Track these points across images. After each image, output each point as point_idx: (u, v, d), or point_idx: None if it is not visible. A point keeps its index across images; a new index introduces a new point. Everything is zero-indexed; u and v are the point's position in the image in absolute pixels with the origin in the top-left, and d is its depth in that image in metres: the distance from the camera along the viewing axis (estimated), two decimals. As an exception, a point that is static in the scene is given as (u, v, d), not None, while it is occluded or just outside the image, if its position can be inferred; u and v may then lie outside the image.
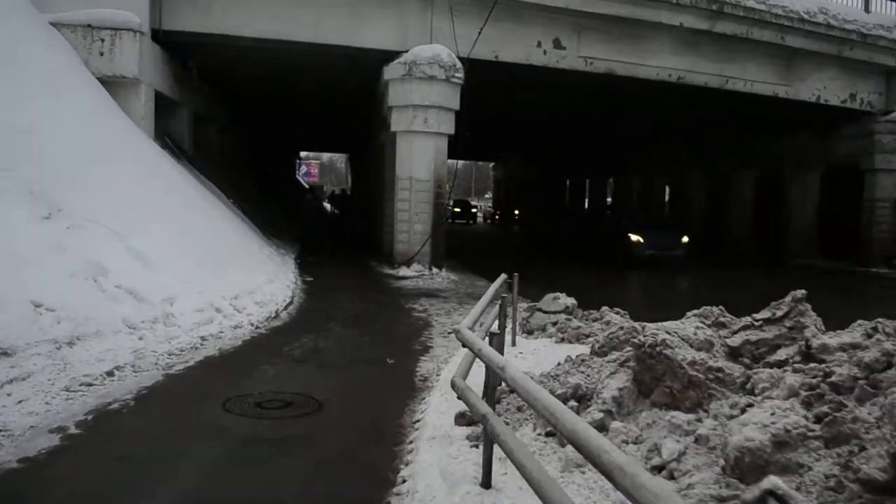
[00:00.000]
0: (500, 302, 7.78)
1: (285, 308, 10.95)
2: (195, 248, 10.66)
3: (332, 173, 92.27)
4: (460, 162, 40.22)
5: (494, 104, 21.80)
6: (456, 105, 15.99)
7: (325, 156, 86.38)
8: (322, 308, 11.28)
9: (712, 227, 28.86)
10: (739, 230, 28.17)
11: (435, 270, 15.89)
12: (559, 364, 5.96)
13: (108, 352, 6.79)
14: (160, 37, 15.08)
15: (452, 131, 16.15)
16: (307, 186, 54.21)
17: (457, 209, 44.64)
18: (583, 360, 5.77)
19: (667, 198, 35.65)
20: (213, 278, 9.95)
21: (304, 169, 69.68)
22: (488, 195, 72.84)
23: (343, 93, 22.42)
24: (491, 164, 59.61)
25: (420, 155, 15.87)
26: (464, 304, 12.05)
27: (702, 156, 29.58)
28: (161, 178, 12.20)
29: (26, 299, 6.64)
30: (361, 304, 11.87)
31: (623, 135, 31.24)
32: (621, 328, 6.07)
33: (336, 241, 24.93)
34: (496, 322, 7.49)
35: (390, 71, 15.81)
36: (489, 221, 53.88)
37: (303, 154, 71.02)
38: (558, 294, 9.82)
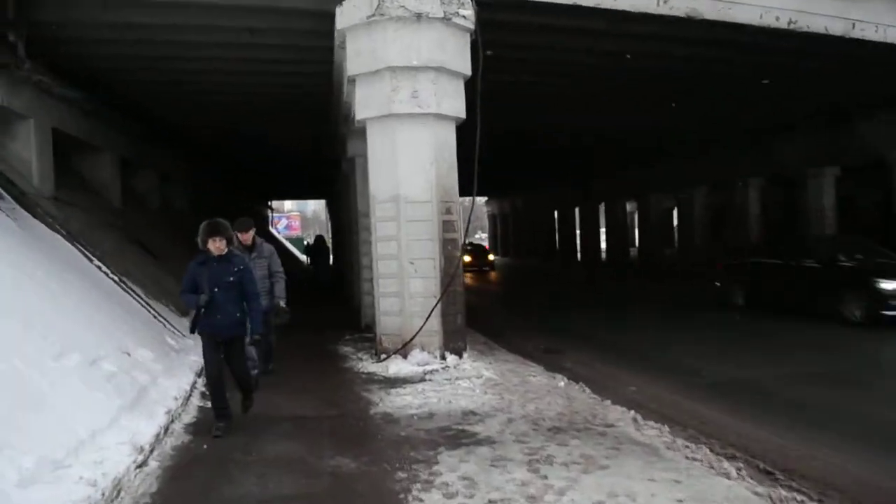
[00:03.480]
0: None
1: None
2: None
3: (318, 227, 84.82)
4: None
5: (510, 113, 14.93)
6: (466, 66, 8.85)
7: (310, 209, 79.70)
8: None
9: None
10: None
11: (452, 360, 8.57)
12: None
13: None
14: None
15: (462, 114, 8.99)
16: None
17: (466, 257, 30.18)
18: None
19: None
20: None
21: (283, 222, 63.15)
22: (478, 235, 65.26)
23: (303, 118, 16.03)
24: (484, 199, 52.04)
25: (410, 156, 8.62)
26: (547, 460, 4.82)
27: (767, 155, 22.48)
28: None
29: None
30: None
31: (648, 141, 24.12)
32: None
33: (300, 309, 17.45)
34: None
35: (346, 13, 8.67)
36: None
37: (281, 205, 64.40)
38: None
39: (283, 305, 8.00)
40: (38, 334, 5.85)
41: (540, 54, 12.35)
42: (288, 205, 69.73)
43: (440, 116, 8.67)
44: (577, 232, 38.30)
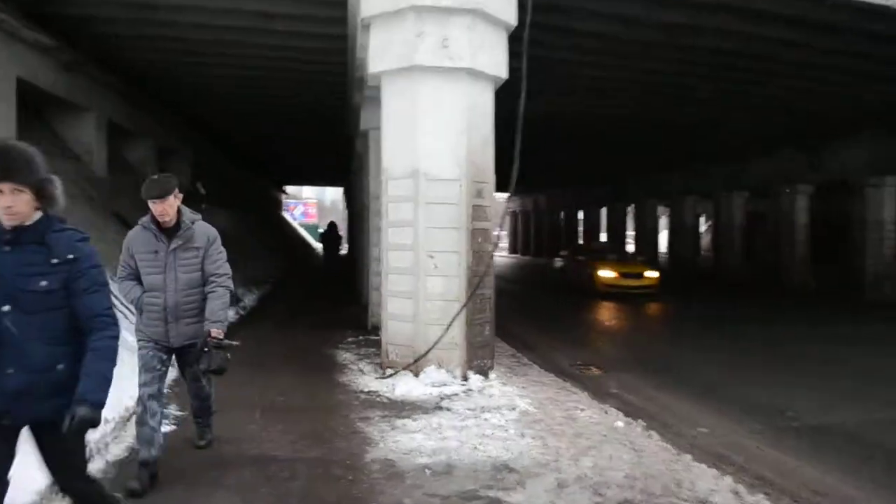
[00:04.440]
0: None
1: None
2: None
3: (335, 217, 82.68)
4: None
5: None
6: (510, 13, 6.97)
7: (328, 198, 78.03)
8: None
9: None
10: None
11: (476, 382, 6.70)
12: None
13: None
14: None
15: (503, 72, 7.10)
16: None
17: (609, 271, 19.41)
18: None
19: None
20: None
21: (299, 209, 61.58)
22: (496, 232, 62.85)
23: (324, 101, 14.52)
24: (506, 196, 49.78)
25: (435, 121, 6.74)
26: None
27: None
28: None
29: None
30: None
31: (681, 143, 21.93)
32: None
33: (305, 301, 15.67)
34: None
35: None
36: None
37: (299, 192, 62.95)
38: None
39: (221, 337, 4.22)
40: None
41: (585, 23, 10.14)
42: (306, 192, 68.22)
43: (475, 73, 6.78)
44: (604, 234, 36.26)
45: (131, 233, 4.35)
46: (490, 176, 7.03)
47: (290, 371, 7.60)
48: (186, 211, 4.34)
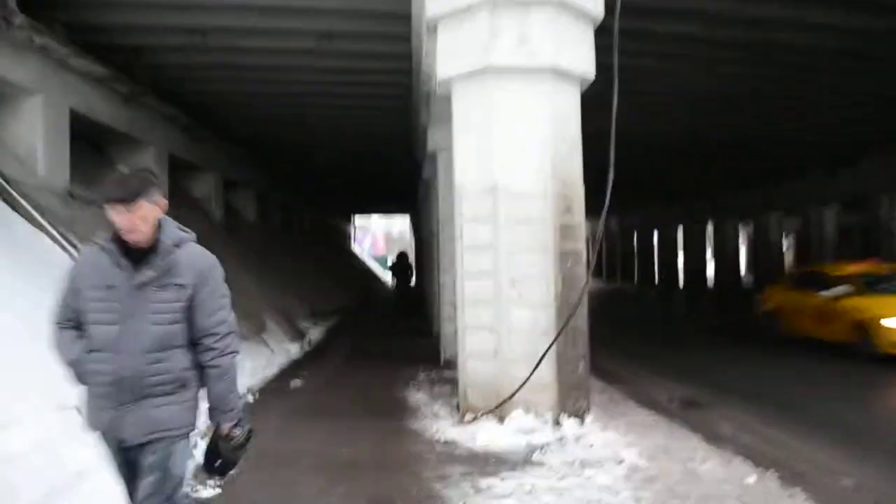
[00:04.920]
0: None
1: None
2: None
3: (402, 247, 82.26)
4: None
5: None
6: (597, 5, 6.10)
7: (395, 230, 78.10)
8: None
9: None
10: None
11: (571, 428, 5.70)
12: None
13: None
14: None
15: (591, 72, 6.17)
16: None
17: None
18: None
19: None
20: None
21: (368, 241, 61.70)
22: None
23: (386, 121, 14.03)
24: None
25: (515, 128, 5.86)
26: None
27: None
28: None
29: None
30: None
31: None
32: None
33: (374, 334, 14.88)
34: None
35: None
36: None
37: (364, 223, 63.14)
38: None
39: (237, 434, 2.77)
40: None
41: (665, 24, 8.93)
42: (373, 224, 68.39)
43: (559, 73, 5.89)
44: (680, 254, 34.48)
45: (80, 255, 3.05)
46: (579, 189, 6.10)
47: (356, 416, 6.77)
48: (170, 226, 2.72)
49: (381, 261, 51.99)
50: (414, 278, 24.25)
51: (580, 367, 6.05)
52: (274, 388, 8.27)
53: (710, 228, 31.33)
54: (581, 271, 6.10)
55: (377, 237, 66.75)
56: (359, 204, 35.79)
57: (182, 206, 13.11)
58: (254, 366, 8.91)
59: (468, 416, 5.98)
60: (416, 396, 7.53)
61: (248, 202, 18.20)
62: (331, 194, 28.73)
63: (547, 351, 5.61)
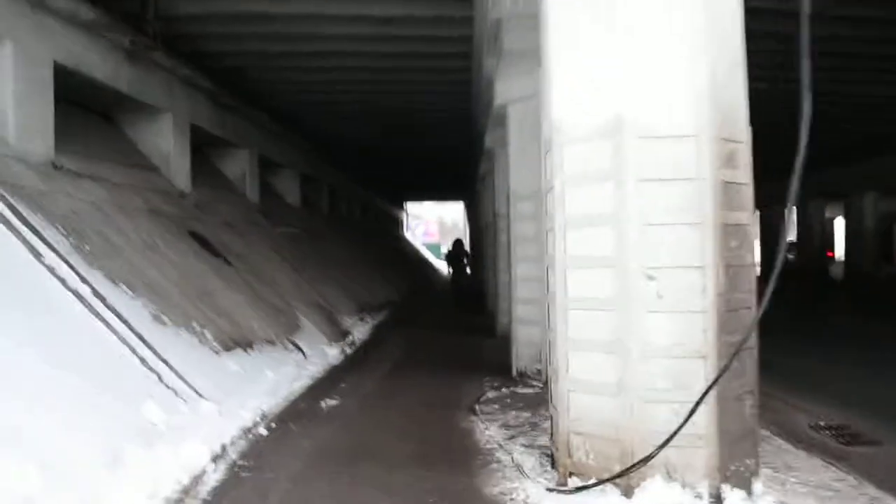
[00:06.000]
0: None
1: None
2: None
3: (456, 235, 79.84)
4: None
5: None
6: None
7: (449, 218, 75.98)
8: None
9: None
10: None
11: (736, 502, 3.58)
12: None
13: None
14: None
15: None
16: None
17: None
18: None
19: None
20: None
21: (421, 228, 60.05)
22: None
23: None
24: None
25: (653, 28, 3.71)
26: None
27: None
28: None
29: None
30: None
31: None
32: None
33: (427, 331, 12.69)
34: None
35: None
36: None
37: (415, 209, 61.59)
38: None
39: None
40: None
41: None
42: (427, 211, 66.75)
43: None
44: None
45: None
46: (744, 128, 3.85)
47: (404, 465, 4.67)
48: None
49: (434, 248, 50.25)
50: (469, 267, 22.22)
51: (747, 407, 3.84)
52: (301, 410, 6.27)
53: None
54: (749, 257, 3.87)
55: (430, 224, 65.17)
56: (412, 190, 33.82)
57: (210, 187, 11.32)
58: (277, 378, 6.94)
59: (574, 482, 3.84)
60: (488, 433, 5.38)
61: (290, 184, 16.39)
62: (383, 180, 26.88)
63: (712, 385, 3.42)
